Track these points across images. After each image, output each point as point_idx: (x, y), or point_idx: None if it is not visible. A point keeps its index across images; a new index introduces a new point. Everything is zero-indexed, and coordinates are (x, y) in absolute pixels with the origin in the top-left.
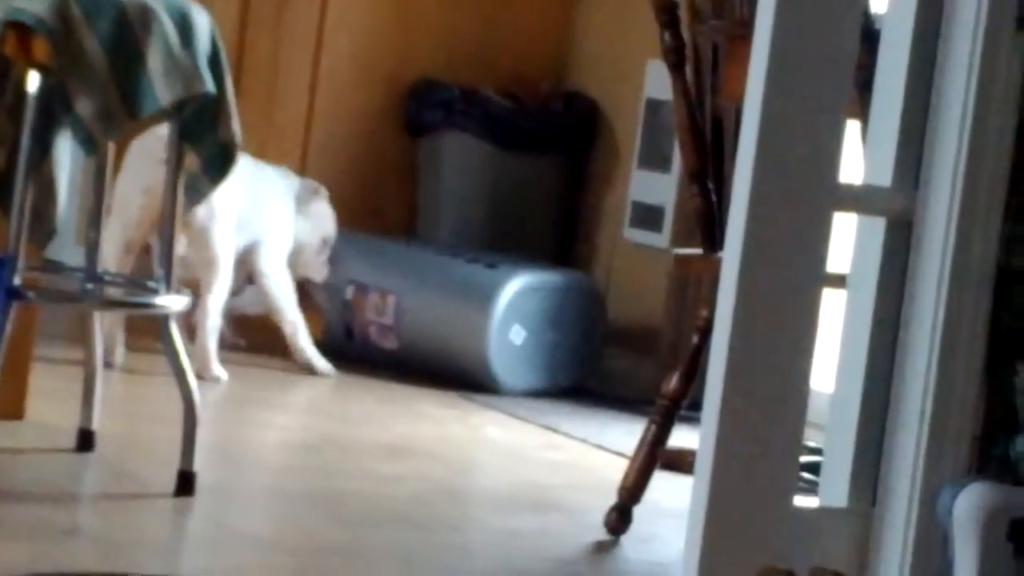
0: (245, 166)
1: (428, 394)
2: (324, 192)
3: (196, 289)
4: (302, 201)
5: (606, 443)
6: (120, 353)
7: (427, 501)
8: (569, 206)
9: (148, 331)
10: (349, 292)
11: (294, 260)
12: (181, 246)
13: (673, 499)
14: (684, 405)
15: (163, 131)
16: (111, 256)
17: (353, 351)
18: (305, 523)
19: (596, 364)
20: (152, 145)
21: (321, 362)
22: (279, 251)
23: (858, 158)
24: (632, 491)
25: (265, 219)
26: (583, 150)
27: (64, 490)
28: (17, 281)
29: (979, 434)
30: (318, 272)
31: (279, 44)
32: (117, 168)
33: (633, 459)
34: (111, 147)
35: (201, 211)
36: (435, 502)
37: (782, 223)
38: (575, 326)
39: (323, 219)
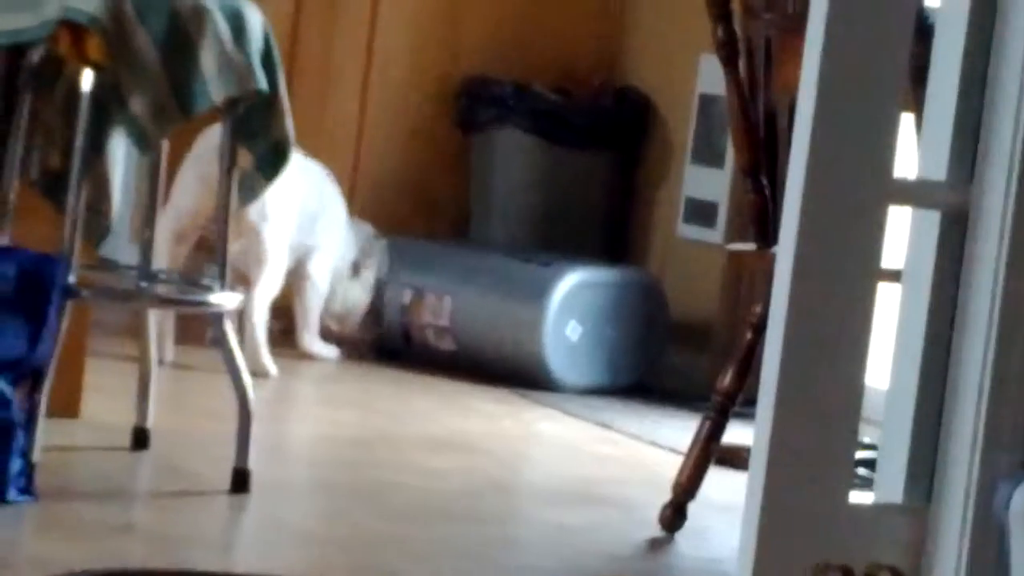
0: (317, 172)
1: (481, 391)
2: (375, 255)
3: (243, 284)
4: (364, 265)
5: (660, 439)
6: (170, 349)
7: (478, 495)
8: (622, 202)
9: (195, 326)
10: (406, 296)
11: (343, 320)
12: (232, 246)
13: (727, 495)
14: (739, 401)
15: None
16: (161, 244)
17: (412, 354)
18: (357, 518)
19: (657, 360)
20: (215, 137)
21: (325, 351)
22: (330, 260)
23: (912, 152)
24: (686, 487)
25: (325, 226)
26: (636, 146)
27: (119, 487)
28: (72, 279)
29: None
30: (366, 331)
31: (331, 43)
32: (171, 165)
33: (688, 455)
34: (165, 145)
35: (255, 209)
36: (486, 496)
37: (836, 218)
38: (634, 322)
39: (372, 277)
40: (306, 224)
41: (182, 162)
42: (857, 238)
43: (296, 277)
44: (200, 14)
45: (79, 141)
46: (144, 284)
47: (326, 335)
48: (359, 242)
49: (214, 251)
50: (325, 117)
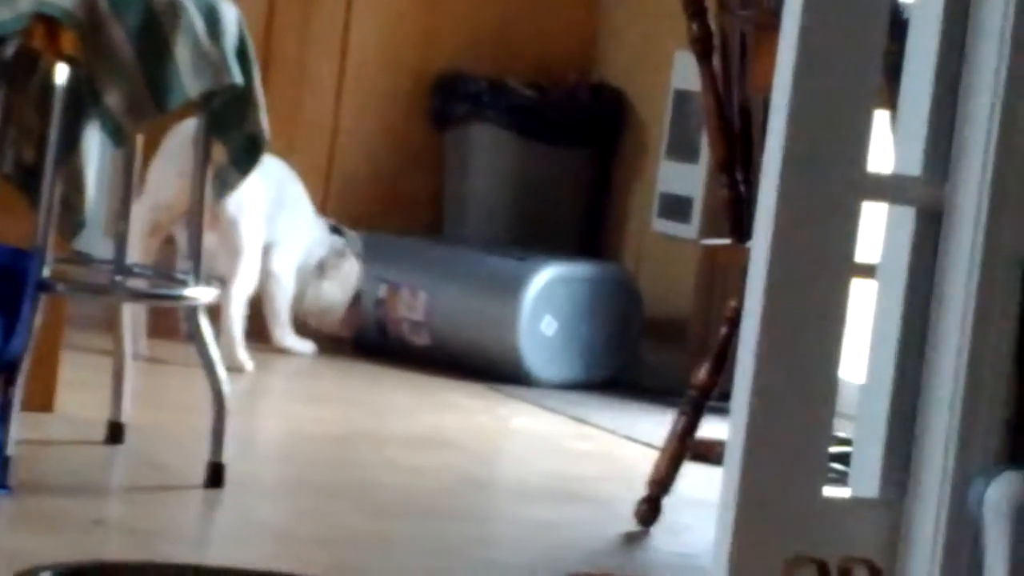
0: (278, 168)
1: (456, 386)
2: (354, 247)
3: (221, 280)
4: (330, 264)
5: (636, 434)
6: (144, 343)
7: (454, 491)
8: (597, 198)
9: (168, 320)
10: (381, 290)
11: (321, 318)
12: (208, 238)
13: (703, 490)
14: (713, 396)
15: None
16: (135, 237)
17: (387, 348)
18: (334, 514)
19: (633, 355)
20: (191, 130)
21: (300, 345)
22: (293, 255)
23: (887, 147)
24: (662, 482)
25: (287, 222)
26: (611, 141)
27: (94, 482)
28: (46, 273)
29: (1011, 423)
30: (346, 328)
31: (306, 38)
32: (146, 159)
33: (663, 450)
34: (139, 139)
35: (230, 202)
36: (462, 492)
37: (811, 213)
38: (609, 317)
39: (351, 276)
40: (266, 220)
41: (155, 155)
42: (832, 233)
43: (260, 274)
44: (175, 9)
45: (53, 135)
46: (119, 278)
47: (303, 330)
48: (330, 240)
49: (183, 245)
50: (299, 114)
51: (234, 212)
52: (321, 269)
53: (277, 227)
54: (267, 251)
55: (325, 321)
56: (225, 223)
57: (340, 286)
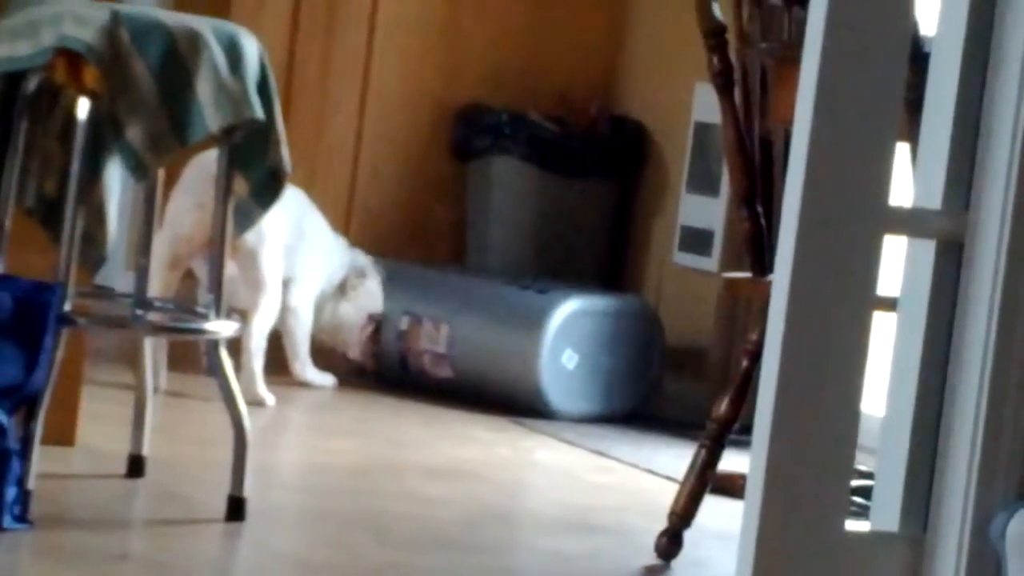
0: (297, 200)
1: (478, 419)
2: (374, 272)
3: (242, 314)
4: (350, 285)
5: (656, 467)
6: (164, 377)
7: (475, 524)
8: (618, 230)
9: (188, 354)
10: (403, 323)
11: (335, 336)
12: (229, 270)
13: (723, 523)
14: (735, 429)
15: None
16: (155, 270)
17: (408, 381)
18: (354, 547)
19: (653, 388)
20: (209, 163)
21: (320, 379)
22: (311, 289)
23: (908, 180)
24: (682, 515)
25: (306, 254)
26: (631, 174)
27: (115, 515)
28: (68, 307)
29: None
30: (357, 350)
31: (327, 70)
32: (166, 193)
33: (683, 483)
34: (160, 173)
35: (251, 235)
36: (483, 525)
37: (832, 246)
38: (630, 350)
39: (371, 296)
40: (286, 252)
41: (173, 188)
42: (853, 267)
43: (281, 310)
44: (196, 43)
45: (75, 169)
46: (139, 312)
47: (323, 362)
48: (351, 261)
49: (203, 277)
50: (321, 144)
51: (254, 244)
52: (342, 289)
53: (296, 260)
54: (286, 285)
55: (339, 341)
56: (245, 255)
57: (357, 307)
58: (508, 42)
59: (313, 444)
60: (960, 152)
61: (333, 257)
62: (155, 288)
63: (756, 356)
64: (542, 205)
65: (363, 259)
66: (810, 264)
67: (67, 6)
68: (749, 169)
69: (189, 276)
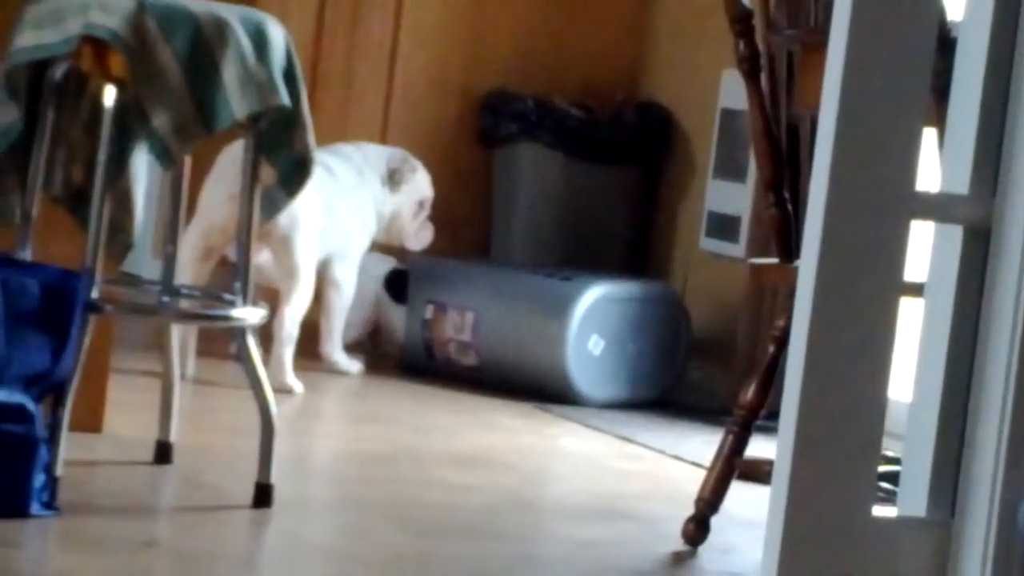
0: (322, 178)
1: (503, 406)
2: (413, 163)
3: (270, 299)
4: (392, 180)
5: (683, 454)
6: (192, 364)
7: (500, 511)
8: (644, 217)
9: (216, 340)
10: (428, 311)
11: (389, 230)
12: (259, 255)
13: (750, 509)
14: (761, 415)
15: None
16: (186, 260)
17: (434, 369)
18: (379, 534)
19: (680, 374)
20: (241, 153)
21: (347, 363)
22: (354, 263)
23: (935, 166)
24: (709, 501)
25: (342, 230)
26: (658, 160)
27: (142, 502)
28: (95, 294)
29: None
30: (415, 239)
31: (353, 57)
32: (194, 181)
33: (710, 469)
34: (187, 160)
35: (284, 220)
36: (508, 512)
37: (859, 232)
38: (656, 336)
39: (417, 185)
40: (320, 236)
41: (204, 177)
42: (880, 252)
43: (322, 284)
44: (222, 30)
45: (102, 156)
46: (167, 299)
47: (352, 349)
48: (387, 159)
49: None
50: (347, 132)
51: (287, 229)
52: (388, 184)
53: (332, 239)
54: (329, 262)
55: (395, 235)
56: (278, 241)
57: (404, 197)
58: (534, 28)
59: (339, 432)
60: (987, 137)
61: (369, 216)
62: (186, 279)
63: (783, 342)
64: (568, 192)
65: (400, 153)
66: (837, 250)
67: None
68: (776, 155)
69: (224, 264)
